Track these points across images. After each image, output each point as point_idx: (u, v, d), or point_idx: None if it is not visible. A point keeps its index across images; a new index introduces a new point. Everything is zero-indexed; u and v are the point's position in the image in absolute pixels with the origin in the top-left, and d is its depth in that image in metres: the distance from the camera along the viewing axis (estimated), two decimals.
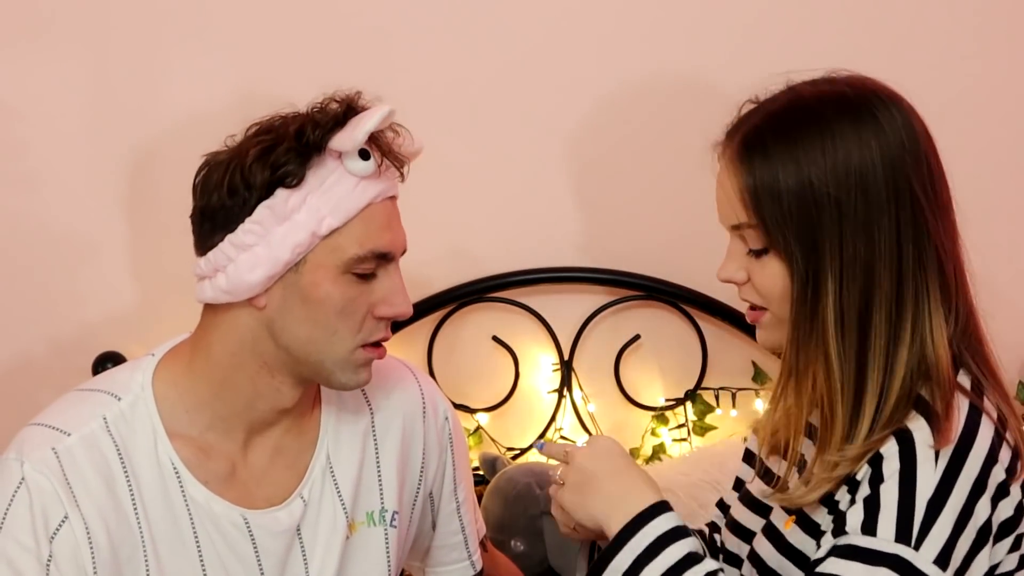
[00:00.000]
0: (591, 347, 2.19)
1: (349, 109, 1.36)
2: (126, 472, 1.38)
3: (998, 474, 1.25)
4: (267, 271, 1.34)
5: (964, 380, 1.31)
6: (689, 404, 2.20)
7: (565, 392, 2.18)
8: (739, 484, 1.52)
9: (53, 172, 2.08)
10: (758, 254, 1.32)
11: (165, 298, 2.06)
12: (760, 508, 1.42)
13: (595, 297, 2.18)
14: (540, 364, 2.19)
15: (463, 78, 2.11)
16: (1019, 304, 2.17)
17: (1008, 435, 1.29)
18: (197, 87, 2.06)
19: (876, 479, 1.24)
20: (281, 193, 1.34)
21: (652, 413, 2.20)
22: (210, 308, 1.40)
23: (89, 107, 2.07)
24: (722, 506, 1.56)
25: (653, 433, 2.20)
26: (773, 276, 1.31)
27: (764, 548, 1.36)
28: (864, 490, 1.24)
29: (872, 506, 1.23)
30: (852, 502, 1.25)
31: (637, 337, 2.18)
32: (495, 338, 2.17)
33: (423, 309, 2.13)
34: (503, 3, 2.10)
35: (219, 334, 1.40)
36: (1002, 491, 1.26)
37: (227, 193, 1.35)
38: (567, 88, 2.12)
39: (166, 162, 2.04)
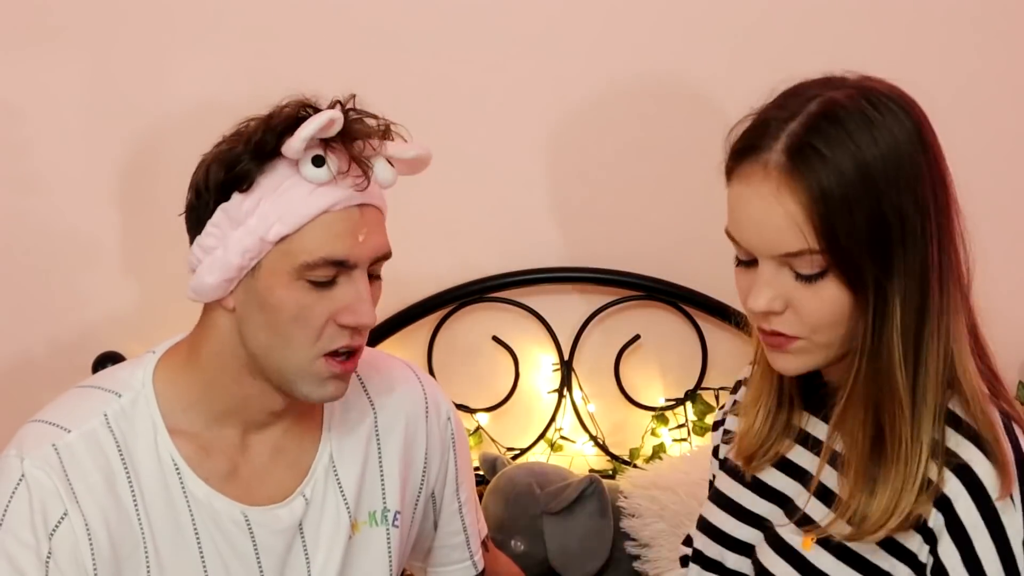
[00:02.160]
0: (591, 347, 2.19)
1: (300, 113, 1.32)
2: (127, 468, 1.38)
3: None
4: (222, 275, 1.34)
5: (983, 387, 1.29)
6: (689, 404, 2.20)
7: (565, 392, 2.18)
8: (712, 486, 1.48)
9: (54, 172, 2.09)
10: (811, 279, 1.22)
11: (165, 298, 2.05)
12: (755, 520, 1.39)
13: (595, 297, 2.18)
14: (540, 364, 2.19)
15: (463, 78, 2.11)
16: (1019, 304, 2.17)
17: None
18: (198, 87, 2.06)
19: (959, 533, 1.21)
20: (236, 197, 1.33)
21: (652, 413, 2.20)
22: (204, 307, 1.41)
23: (90, 107, 2.07)
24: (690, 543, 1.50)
25: (653, 433, 2.20)
26: (829, 301, 1.22)
27: (780, 569, 1.32)
28: (950, 548, 1.21)
29: (974, 567, 1.21)
30: (936, 557, 1.22)
31: (637, 337, 2.18)
32: (495, 338, 2.17)
33: (423, 309, 2.13)
34: (502, 4, 2.10)
35: (206, 334, 1.40)
36: None
37: (194, 194, 1.36)
38: (567, 88, 2.12)
39: (166, 162, 2.04)
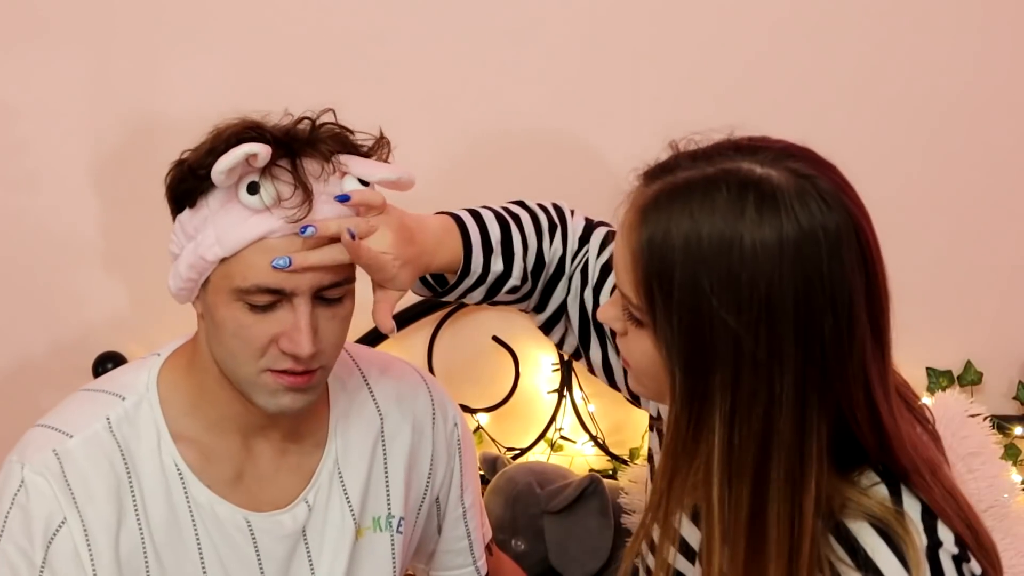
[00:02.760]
0: None
1: (236, 138, 1.26)
2: (129, 473, 1.37)
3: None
4: (176, 284, 1.34)
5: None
6: None
7: (565, 392, 2.17)
8: None
9: (52, 172, 2.08)
10: (636, 322, 1.17)
11: (165, 298, 2.02)
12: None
13: None
14: (540, 364, 2.19)
15: (464, 77, 2.10)
16: (1019, 304, 2.17)
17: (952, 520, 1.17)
18: (197, 87, 2.05)
19: None
20: (186, 212, 1.32)
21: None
22: None
23: (89, 107, 2.06)
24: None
25: None
26: (645, 354, 1.16)
27: None
28: None
29: None
30: None
31: None
32: (495, 338, 2.17)
33: (423, 309, 2.13)
34: (504, 3, 2.10)
35: (198, 337, 1.40)
36: None
37: (166, 200, 1.35)
38: (568, 88, 2.12)
39: (164, 162, 2.03)
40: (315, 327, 1.30)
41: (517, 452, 2.19)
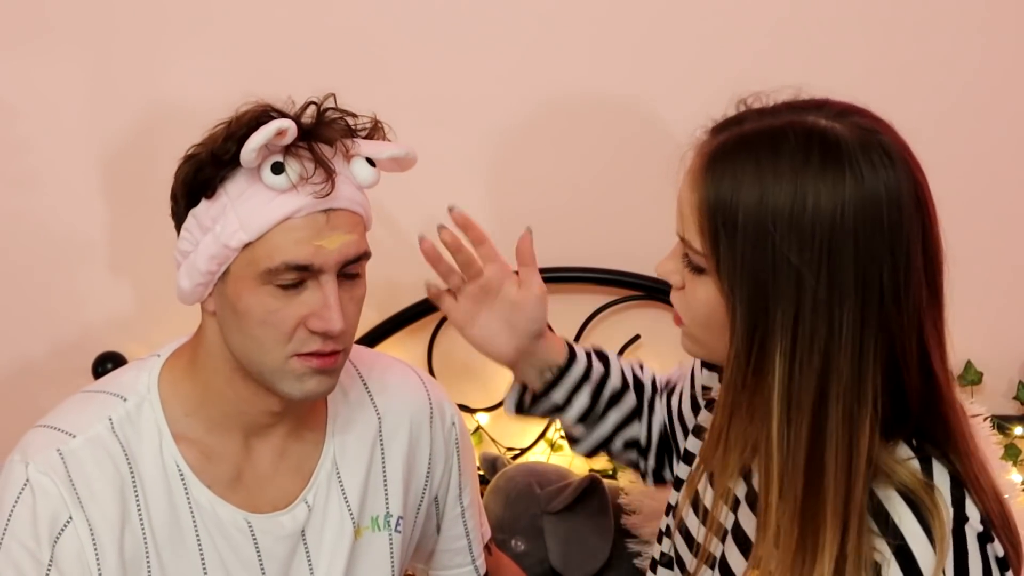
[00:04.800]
0: None
1: (256, 120, 1.30)
2: (132, 474, 1.38)
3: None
4: (193, 280, 1.35)
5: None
6: None
7: None
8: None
9: (53, 172, 2.08)
10: (694, 270, 1.20)
11: (164, 298, 2.02)
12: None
13: (595, 297, 2.18)
14: None
15: (464, 76, 2.10)
16: (1019, 304, 2.17)
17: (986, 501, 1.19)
18: (198, 86, 2.05)
19: None
20: (203, 203, 1.33)
21: None
22: (200, 309, 1.41)
23: (89, 106, 2.06)
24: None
25: None
26: (703, 301, 1.20)
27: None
28: None
29: None
30: None
31: (637, 337, 2.18)
32: None
33: (423, 309, 2.13)
34: (506, 2, 2.10)
35: (201, 337, 1.41)
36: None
37: (172, 199, 1.37)
38: (567, 88, 2.12)
39: (164, 162, 2.03)
40: (340, 302, 1.33)
41: (517, 452, 2.19)
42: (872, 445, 1.15)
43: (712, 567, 1.30)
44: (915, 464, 1.18)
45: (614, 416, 1.53)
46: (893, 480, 1.17)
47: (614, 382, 1.53)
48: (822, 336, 1.13)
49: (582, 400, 1.51)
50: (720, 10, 2.09)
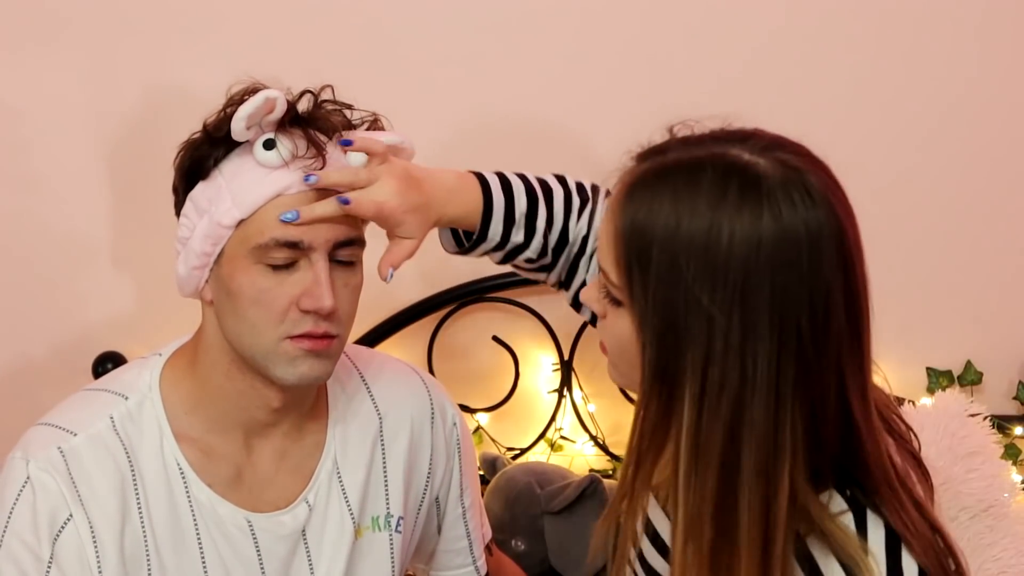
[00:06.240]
0: (591, 347, 2.17)
1: (245, 95, 1.32)
2: (132, 472, 1.38)
3: None
4: (189, 263, 1.35)
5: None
6: None
7: (565, 392, 2.17)
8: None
9: (53, 172, 2.08)
10: (614, 302, 1.15)
11: (165, 298, 2.03)
12: None
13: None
14: (540, 364, 2.19)
15: (463, 75, 2.10)
16: (1019, 304, 2.17)
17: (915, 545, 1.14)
18: (199, 87, 2.05)
19: None
20: (199, 186, 1.34)
21: None
22: (201, 306, 1.41)
23: (89, 107, 2.06)
24: None
25: None
26: (621, 336, 1.15)
27: None
28: None
29: None
30: None
31: None
32: (495, 338, 2.17)
33: (423, 309, 2.13)
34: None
35: (201, 333, 1.41)
36: None
37: (173, 191, 1.38)
38: (566, 89, 2.12)
39: (165, 162, 2.03)
40: (333, 284, 1.33)
41: (517, 452, 2.19)
42: (795, 496, 1.10)
43: None
44: (849, 520, 1.13)
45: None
46: (829, 543, 1.12)
47: (529, 254, 1.45)
48: (734, 383, 1.08)
49: (495, 259, 1.46)
50: (721, 10, 2.09)
